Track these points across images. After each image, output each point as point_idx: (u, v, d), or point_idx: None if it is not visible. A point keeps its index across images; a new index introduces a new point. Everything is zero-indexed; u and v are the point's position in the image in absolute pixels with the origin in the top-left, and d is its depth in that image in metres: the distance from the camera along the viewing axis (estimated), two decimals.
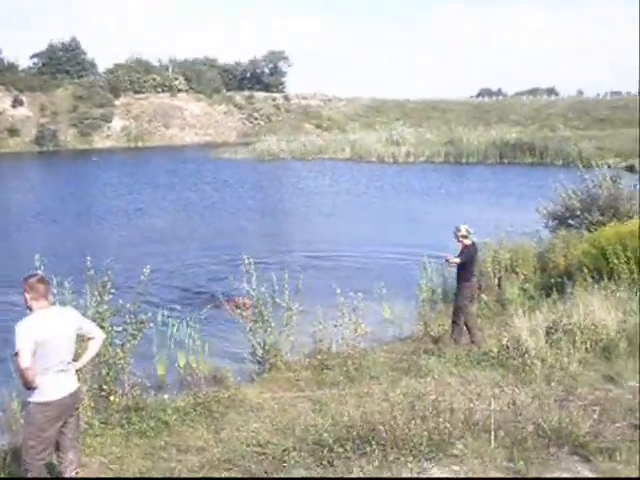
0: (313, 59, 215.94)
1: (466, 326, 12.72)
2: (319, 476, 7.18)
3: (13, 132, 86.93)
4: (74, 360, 6.83)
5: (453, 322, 12.84)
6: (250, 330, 11.70)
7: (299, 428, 8.54)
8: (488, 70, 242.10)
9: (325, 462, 7.39)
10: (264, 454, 7.87)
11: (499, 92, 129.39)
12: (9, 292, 17.63)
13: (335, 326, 12.11)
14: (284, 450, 7.81)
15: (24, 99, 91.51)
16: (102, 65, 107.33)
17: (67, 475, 6.78)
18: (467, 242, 12.73)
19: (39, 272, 8.10)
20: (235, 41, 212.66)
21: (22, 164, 72.14)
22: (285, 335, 11.94)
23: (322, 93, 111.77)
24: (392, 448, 7.40)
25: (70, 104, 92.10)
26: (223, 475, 7.43)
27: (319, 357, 11.74)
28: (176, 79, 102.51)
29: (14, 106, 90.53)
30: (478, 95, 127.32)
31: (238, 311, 11.74)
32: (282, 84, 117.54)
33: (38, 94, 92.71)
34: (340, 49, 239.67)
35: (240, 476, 7.38)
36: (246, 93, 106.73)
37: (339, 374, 10.93)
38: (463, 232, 12.69)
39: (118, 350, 9.89)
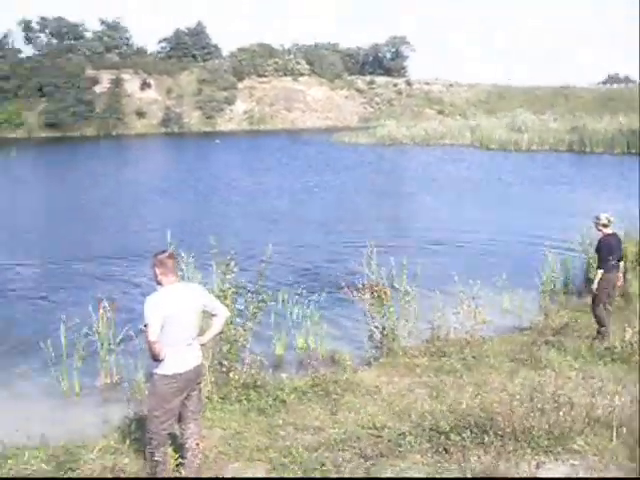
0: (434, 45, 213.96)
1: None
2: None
3: (141, 114, 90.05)
4: (199, 336, 7.02)
5: (594, 315, 12.33)
6: (369, 314, 11.72)
7: (415, 413, 8.51)
8: (617, 56, 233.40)
9: (441, 449, 7.36)
10: (380, 437, 7.89)
11: (627, 79, 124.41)
12: (136, 266, 18.36)
13: (454, 313, 12.00)
14: (400, 434, 7.81)
15: (152, 82, 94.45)
16: (226, 49, 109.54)
17: (188, 445, 6.98)
18: (607, 231, 12.17)
19: (169, 248, 8.37)
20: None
21: (149, 145, 74.49)
22: (403, 320, 11.91)
23: (444, 79, 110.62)
24: (510, 439, 7.30)
25: (195, 87, 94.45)
26: (339, 454, 7.49)
27: (437, 344, 11.65)
28: (298, 63, 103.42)
29: (142, 89, 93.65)
30: (605, 82, 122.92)
31: (359, 295, 11.72)
32: (404, 69, 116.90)
33: (165, 77, 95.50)
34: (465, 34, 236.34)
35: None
36: (367, 78, 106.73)
37: (457, 362, 10.81)
38: (603, 221, 12.12)
39: (239, 328, 10.08)
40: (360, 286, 11.75)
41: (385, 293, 11.62)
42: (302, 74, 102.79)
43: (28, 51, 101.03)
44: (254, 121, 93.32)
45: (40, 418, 9.92)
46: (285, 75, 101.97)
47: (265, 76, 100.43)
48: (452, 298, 12.45)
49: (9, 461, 8.10)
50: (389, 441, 7.72)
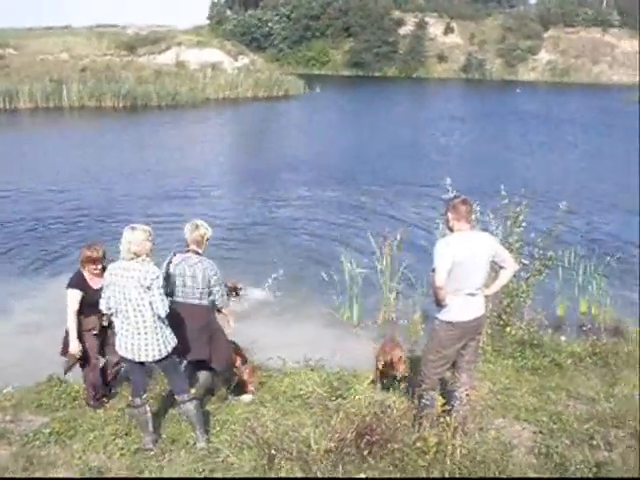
0: None
1: None
2: None
3: (442, 58, 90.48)
4: (484, 286, 6.89)
5: None
6: None
7: None
8: None
9: None
10: None
11: None
12: (423, 206, 18.56)
13: None
14: None
15: (455, 27, 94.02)
16: None
17: (457, 394, 6.94)
18: None
19: (453, 194, 8.25)
20: None
21: (448, 89, 74.39)
22: None
23: None
24: None
25: (499, 34, 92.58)
26: (612, 431, 7.07)
27: None
28: (609, 14, 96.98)
29: (445, 33, 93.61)
30: None
31: None
32: None
33: (468, 23, 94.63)
34: None
35: None
36: None
37: None
38: None
39: (522, 283, 9.84)
40: None
41: None
42: (612, 25, 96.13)
43: None
44: (556, 73, 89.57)
45: (319, 343, 10.41)
46: (595, 26, 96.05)
47: (573, 26, 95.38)
48: None
49: (286, 379, 8.62)
50: None
